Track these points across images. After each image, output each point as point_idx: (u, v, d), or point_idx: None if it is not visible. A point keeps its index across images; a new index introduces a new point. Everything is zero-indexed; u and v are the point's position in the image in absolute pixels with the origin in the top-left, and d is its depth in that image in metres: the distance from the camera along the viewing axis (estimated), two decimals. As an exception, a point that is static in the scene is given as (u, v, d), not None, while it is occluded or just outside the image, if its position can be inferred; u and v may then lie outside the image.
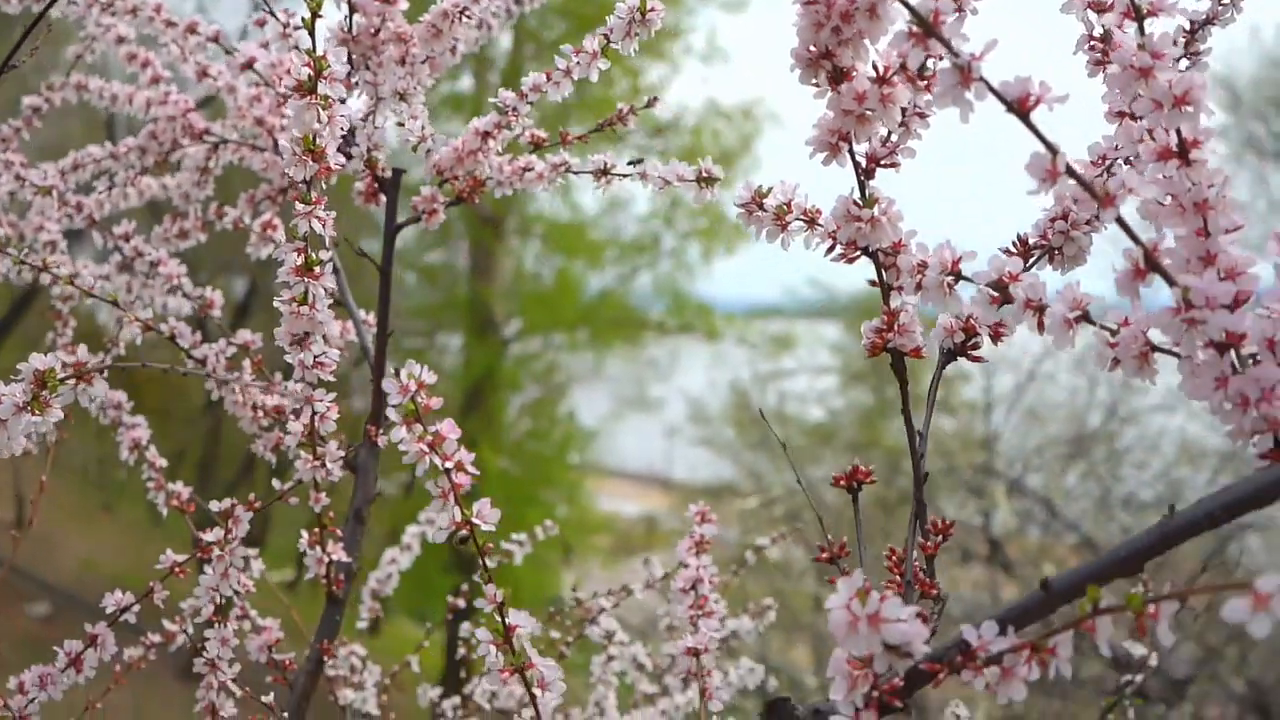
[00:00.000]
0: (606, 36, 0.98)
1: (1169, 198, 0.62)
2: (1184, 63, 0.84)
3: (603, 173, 1.06)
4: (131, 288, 1.31)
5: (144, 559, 1.21)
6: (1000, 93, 0.57)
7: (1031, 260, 0.79)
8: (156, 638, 1.26)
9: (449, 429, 0.71)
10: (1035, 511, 6.69)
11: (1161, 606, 0.51)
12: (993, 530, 5.93)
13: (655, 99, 1.12)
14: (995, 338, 0.78)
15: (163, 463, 1.18)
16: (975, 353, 0.78)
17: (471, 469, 0.72)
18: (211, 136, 1.32)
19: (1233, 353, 0.60)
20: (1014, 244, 0.80)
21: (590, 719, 1.45)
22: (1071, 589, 0.58)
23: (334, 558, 1.08)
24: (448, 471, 0.71)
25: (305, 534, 1.07)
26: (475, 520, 0.72)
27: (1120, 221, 0.58)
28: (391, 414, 0.70)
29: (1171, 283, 0.58)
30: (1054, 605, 0.59)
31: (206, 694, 1.05)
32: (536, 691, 0.74)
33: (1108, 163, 0.80)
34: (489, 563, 0.74)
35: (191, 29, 1.17)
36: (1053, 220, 0.79)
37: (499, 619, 0.74)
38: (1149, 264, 0.58)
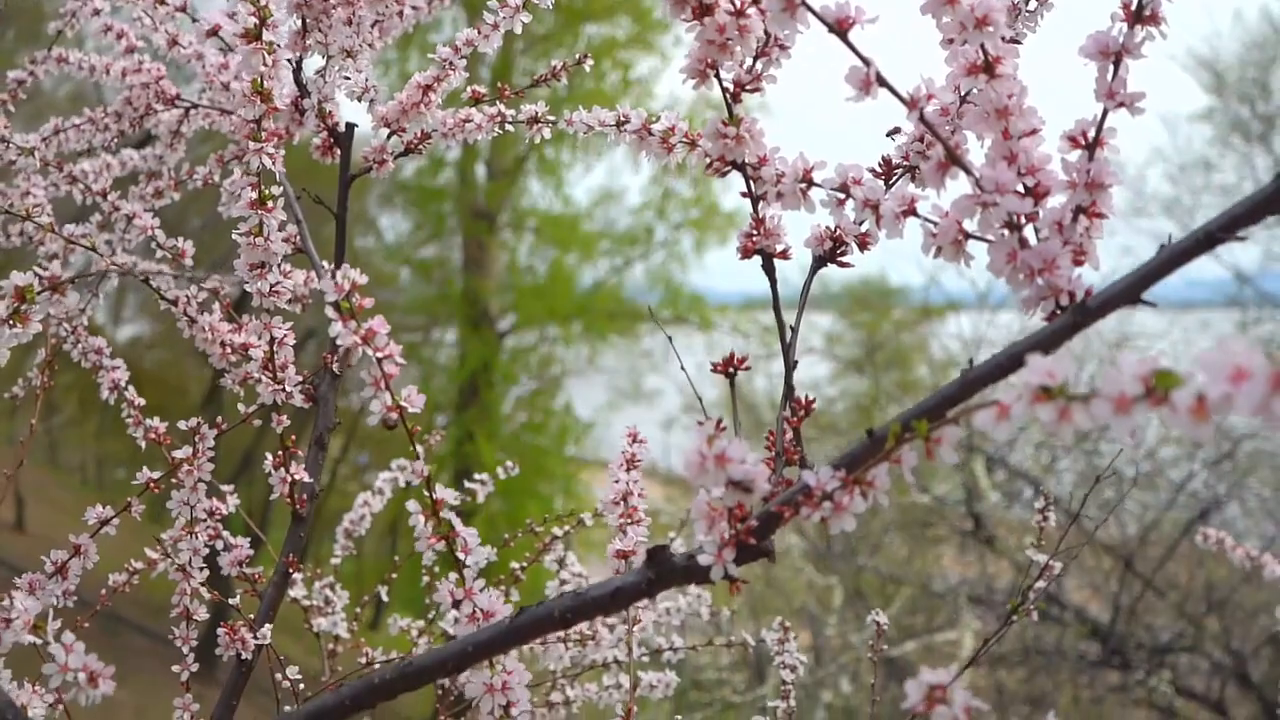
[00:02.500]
0: (526, -9, 1.09)
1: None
2: (1032, 3, 0.94)
3: (534, 120, 1.16)
4: (112, 245, 1.42)
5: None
6: (821, 15, 0.68)
7: (895, 178, 0.90)
8: (139, 564, 1.37)
9: (379, 324, 0.82)
10: (1022, 490, 6.81)
11: (944, 432, 0.62)
12: (975, 506, 6.05)
13: (586, 56, 1.23)
14: (862, 247, 0.89)
15: (141, 401, 1.28)
16: (844, 260, 0.88)
17: (400, 359, 0.82)
18: (183, 102, 1.43)
19: (1032, 233, 0.71)
20: (879, 163, 0.90)
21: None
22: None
23: (296, 478, 1.18)
24: (379, 361, 0.82)
25: (270, 456, 1.18)
26: (404, 404, 0.83)
27: (924, 120, 0.68)
28: (328, 310, 0.81)
29: (969, 173, 0.69)
30: (877, 450, 0.70)
31: (180, 599, 1.16)
32: (460, 555, 0.85)
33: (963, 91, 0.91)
34: (418, 449, 0.85)
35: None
36: (912, 142, 0.89)
37: (427, 493, 0.84)
38: (950, 158, 0.69)
